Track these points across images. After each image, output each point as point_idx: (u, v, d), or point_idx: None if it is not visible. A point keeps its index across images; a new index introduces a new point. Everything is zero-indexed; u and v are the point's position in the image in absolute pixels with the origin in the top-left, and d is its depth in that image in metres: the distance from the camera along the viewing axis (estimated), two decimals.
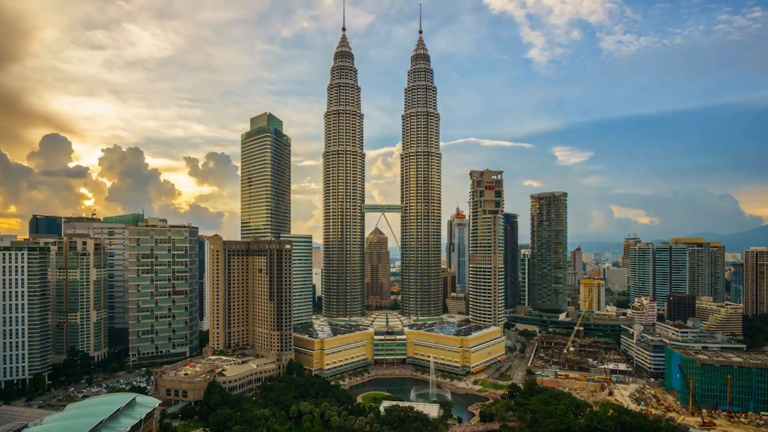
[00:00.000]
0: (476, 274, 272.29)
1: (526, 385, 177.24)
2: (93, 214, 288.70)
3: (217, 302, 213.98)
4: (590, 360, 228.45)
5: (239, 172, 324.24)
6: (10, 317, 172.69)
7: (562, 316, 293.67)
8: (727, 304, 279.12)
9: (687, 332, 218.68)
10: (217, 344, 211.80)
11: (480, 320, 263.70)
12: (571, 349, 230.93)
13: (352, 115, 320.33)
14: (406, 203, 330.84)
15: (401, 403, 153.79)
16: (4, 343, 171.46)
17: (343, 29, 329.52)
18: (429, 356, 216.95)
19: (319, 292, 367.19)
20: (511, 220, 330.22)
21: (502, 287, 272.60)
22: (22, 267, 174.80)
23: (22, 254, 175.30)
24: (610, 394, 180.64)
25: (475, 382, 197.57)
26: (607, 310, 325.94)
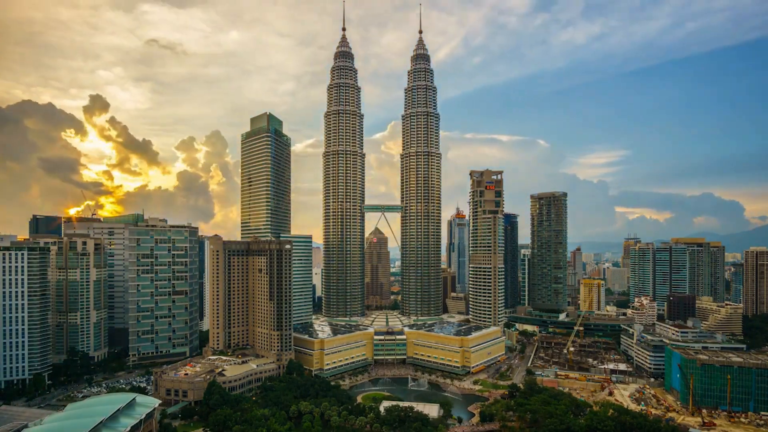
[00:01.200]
0: (476, 274, 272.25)
1: (526, 385, 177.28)
2: (93, 214, 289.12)
3: (217, 302, 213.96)
4: (590, 360, 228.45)
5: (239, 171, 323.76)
6: (10, 317, 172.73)
7: (562, 316, 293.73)
8: (727, 304, 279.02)
9: (687, 332, 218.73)
10: (217, 344, 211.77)
11: (480, 320, 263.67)
12: (571, 349, 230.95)
13: (352, 115, 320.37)
14: (406, 203, 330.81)
15: (401, 403, 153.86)
16: (4, 343, 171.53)
17: (343, 29, 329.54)
18: (429, 356, 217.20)
19: (319, 292, 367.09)
20: (511, 220, 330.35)
21: (502, 287, 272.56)
22: (22, 267, 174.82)
23: (22, 254, 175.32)
24: (610, 394, 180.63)
25: (475, 382, 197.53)
26: (607, 310, 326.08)
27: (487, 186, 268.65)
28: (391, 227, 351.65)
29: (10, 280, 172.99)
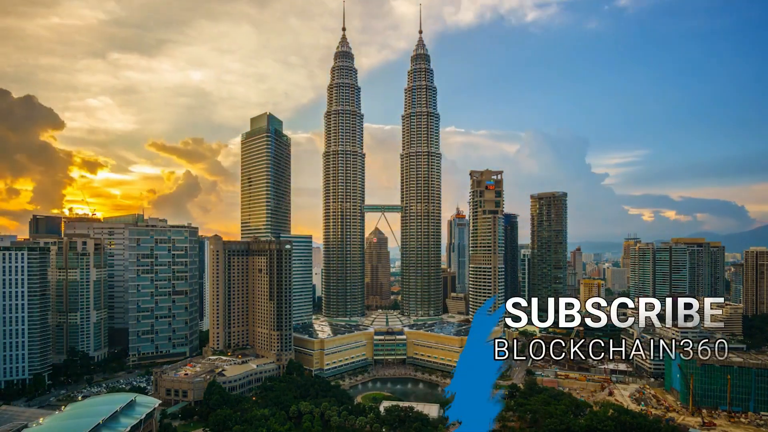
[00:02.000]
0: (476, 274, 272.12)
1: (526, 385, 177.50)
2: (93, 214, 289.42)
3: (217, 302, 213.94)
4: (590, 360, 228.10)
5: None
6: (10, 317, 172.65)
7: None
8: (727, 304, 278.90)
9: (687, 332, 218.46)
10: (217, 344, 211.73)
11: None
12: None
13: (352, 114, 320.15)
14: (406, 203, 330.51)
15: (401, 403, 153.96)
16: (4, 343, 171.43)
17: (343, 29, 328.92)
18: (429, 356, 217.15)
19: (319, 292, 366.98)
20: (511, 220, 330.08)
21: (502, 287, 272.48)
22: (22, 267, 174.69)
23: (22, 254, 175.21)
24: (610, 394, 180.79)
25: None
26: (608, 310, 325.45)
27: (487, 186, 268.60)
28: (391, 227, 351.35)
29: (10, 280, 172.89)
